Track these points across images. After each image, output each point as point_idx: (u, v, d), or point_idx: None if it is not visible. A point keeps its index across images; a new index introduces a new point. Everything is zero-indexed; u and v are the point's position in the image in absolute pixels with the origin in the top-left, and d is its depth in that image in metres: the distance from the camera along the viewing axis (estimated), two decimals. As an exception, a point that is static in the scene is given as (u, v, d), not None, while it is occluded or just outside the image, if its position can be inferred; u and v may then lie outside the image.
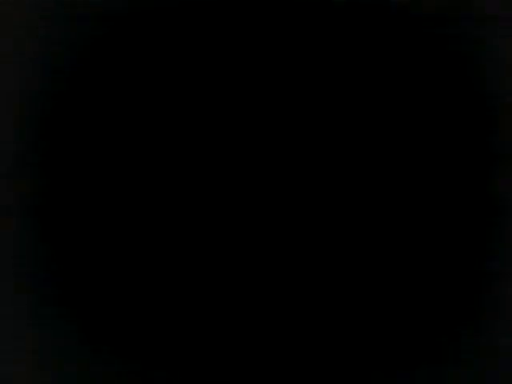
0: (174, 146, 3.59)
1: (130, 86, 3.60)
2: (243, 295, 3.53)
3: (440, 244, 3.53)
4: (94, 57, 3.60)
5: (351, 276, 3.53)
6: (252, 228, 3.55)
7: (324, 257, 3.53)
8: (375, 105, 3.58)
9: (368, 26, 3.57)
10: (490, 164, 3.55)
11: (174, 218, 3.56)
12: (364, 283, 3.52)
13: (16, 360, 3.52)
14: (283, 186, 3.57)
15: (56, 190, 3.57)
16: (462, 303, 3.51)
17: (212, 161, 3.59)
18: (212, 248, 3.55)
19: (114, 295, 3.54)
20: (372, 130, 3.57)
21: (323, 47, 3.59)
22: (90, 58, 3.60)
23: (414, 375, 3.48)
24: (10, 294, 3.54)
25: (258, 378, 3.50)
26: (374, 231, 3.54)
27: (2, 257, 3.55)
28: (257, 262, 3.54)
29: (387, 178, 3.55)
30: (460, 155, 3.56)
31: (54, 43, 3.59)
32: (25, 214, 3.56)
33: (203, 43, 3.61)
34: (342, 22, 3.58)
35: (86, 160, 3.58)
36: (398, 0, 3.54)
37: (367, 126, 3.57)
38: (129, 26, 3.60)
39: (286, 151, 3.58)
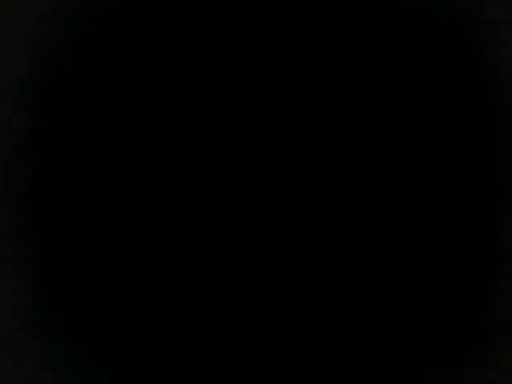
0: (173, 145, 3.59)
1: (130, 85, 3.60)
2: (243, 295, 3.53)
3: (440, 243, 3.54)
4: (93, 55, 3.60)
5: (351, 277, 3.54)
6: (252, 228, 3.55)
7: (324, 257, 3.54)
8: (376, 103, 3.59)
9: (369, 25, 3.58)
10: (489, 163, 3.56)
11: (173, 218, 3.56)
12: (363, 284, 3.53)
13: (16, 360, 3.52)
14: (284, 185, 3.57)
15: (56, 191, 3.58)
16: (461, 303, 3.52)
17: (212, 159, 3.59)
18: (212, 248, 3.55)
19: (113, 296, 3.54)
20: (370, 128, 3.57)
21: (326, 46, 3.60)
22: (89, 56, 3.60)
23: (413, 375, 3.50)
24: (10, 295, 3.54)
25: (257, 378, 3.50)
26: (373, 231, 3.55)
27: (2, 258, 3.55)
28: (256, 262, 3.54)
29: (388, 177, 3.56)
30: (456, 154, 3.57)
31: (53, 42, 3.59)
32: (24, 215, 3.57)
33: (209, 40, 3.61)
34: (345, 20, 3.59)
35: (83, 165, 3.59)
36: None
37: (367, 126, 3.58)
38: (129, 25, 3.60)
39: (287, 149, 3.58)
